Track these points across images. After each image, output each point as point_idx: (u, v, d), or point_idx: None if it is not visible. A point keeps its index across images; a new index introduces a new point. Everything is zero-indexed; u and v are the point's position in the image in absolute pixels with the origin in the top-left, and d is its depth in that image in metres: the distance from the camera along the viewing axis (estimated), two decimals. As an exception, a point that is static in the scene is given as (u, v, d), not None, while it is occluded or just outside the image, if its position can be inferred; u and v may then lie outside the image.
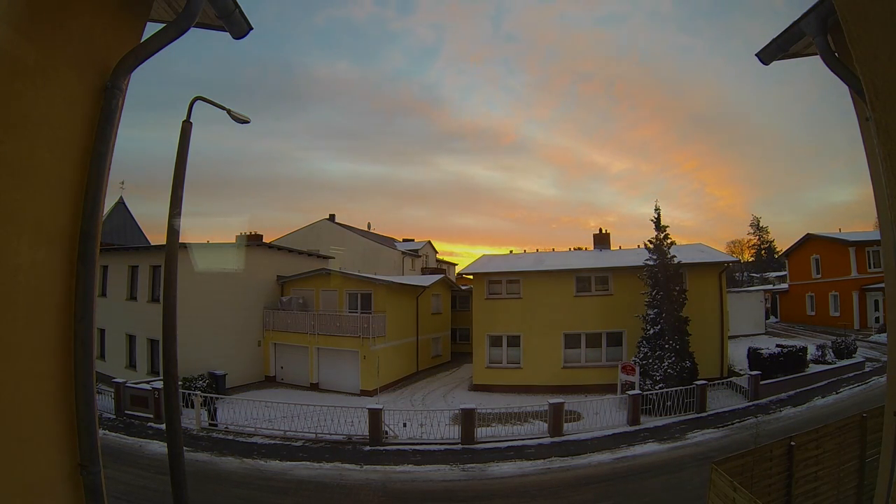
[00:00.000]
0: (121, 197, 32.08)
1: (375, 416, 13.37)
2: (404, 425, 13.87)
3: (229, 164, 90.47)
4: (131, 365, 20.23)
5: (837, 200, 73.04)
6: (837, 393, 16.34)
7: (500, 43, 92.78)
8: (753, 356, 18.30)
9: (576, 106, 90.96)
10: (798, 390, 16.73)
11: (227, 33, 3.09)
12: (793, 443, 6.66)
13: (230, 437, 13.67)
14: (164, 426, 11.48)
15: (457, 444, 13.03)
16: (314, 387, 20.38)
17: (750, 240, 61.00)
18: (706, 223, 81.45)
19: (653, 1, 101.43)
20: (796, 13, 3.27)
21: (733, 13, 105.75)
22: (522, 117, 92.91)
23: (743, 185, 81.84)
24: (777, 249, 55.20)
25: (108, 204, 25.63)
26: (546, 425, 13.78)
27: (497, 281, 21.07)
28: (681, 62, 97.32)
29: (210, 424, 14.37)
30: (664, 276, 17.00)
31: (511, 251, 29.18)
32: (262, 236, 25.31)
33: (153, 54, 2.42)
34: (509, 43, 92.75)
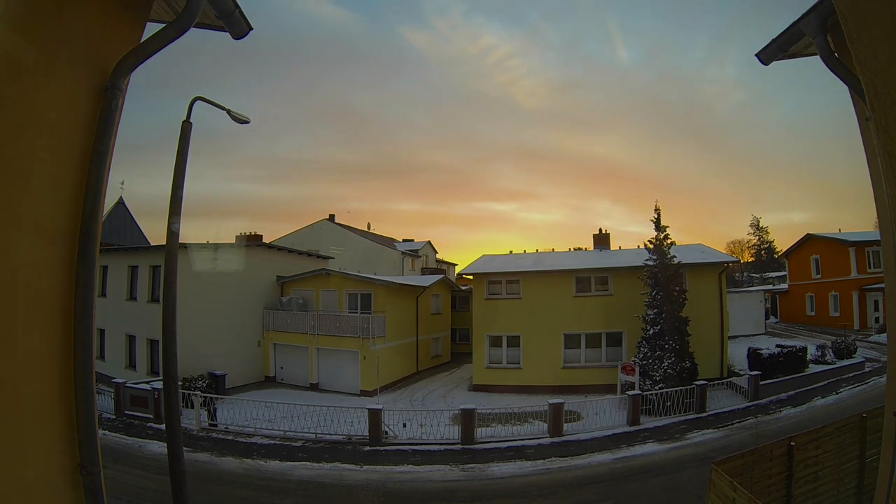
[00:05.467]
0: (121, 197, 32.14)
1: (375, 416, 13.36)
2: (404, 425, 13.87)
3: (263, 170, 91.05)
4: (131, 365, 20.22)
5: (836, 201, 73.19)
6: (837, 393, 16.34)
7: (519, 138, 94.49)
8: (753, 356, 18.29)
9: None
10: (798, 390, 16.73)
11: (227, 33, 3.10)
12: (793, 443, 6.66)
13: (230, 438, 13.67)
14: (163, 426, 11.47)
15: (457, 444, 13.03)
16: (314, 387, 20.37)
17: (750, 240, 61.12)
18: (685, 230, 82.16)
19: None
20: (796, 13, 3.27)
21: (730, 13, 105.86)
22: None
23: (727, 188, 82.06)
24: (777, 250, 55.25)
25: (108, 204, 25.67)
26: (546, 425, 13.78)
27: (497, 281, 21.07)
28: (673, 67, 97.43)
29: (210, 424, 14.36)
30: (664, 276, 16.99)
31: (511, 251, 29.15)
32: (261, 236, 25.28)
33: (153, 54, 2.42)
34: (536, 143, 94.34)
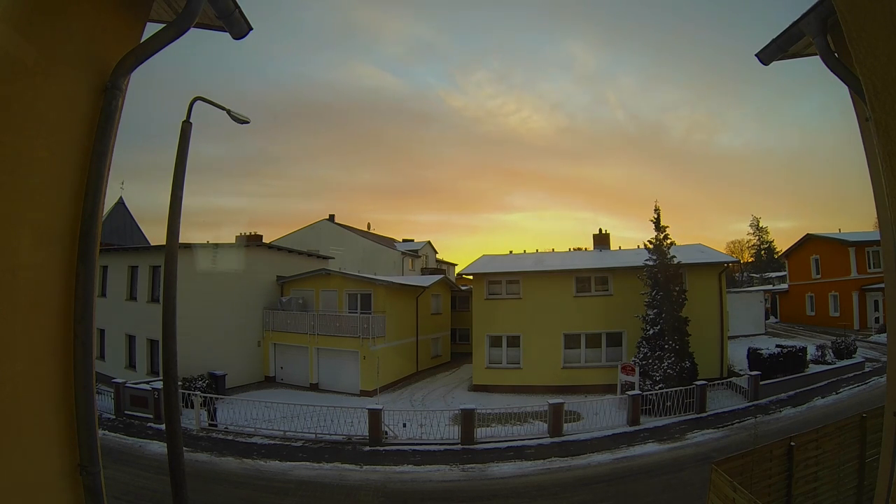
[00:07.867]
0: (121, 197, 32.18)
1: (375, 416, 13.36)
2: (404, 426, 13.87)
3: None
4: (131, 365, 20.22)
5: (836, 201, 73.18)
6: (837, 393, 16.34)
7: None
8: (753, 356, 18.29)
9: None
10: (798, 390, 16.73)
11: (227, 33, 3.10)
12: (793, 443, 6.66)
13: (230, 438, 13.67)
14: (163, 426, 11.47)
15: (456, 444, 13.03)
16: (314, 387, 20.37)
17: (749, 240, 61.14)
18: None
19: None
20: (796, 13, 3.27)
21: (730, 12, 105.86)
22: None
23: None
24: (777, 250, 55.27)
25: (108, 204, 25.67)
26: (546, 425, 13.78)
27: (497, 281, 21.06)
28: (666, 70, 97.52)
29: (210, 425, 14.36)
30: (664, 276, 17.00)
31: (511, 251, 29.14)
32: (261, 236, 25.31)
33: (153, 54, 2.42)
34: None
